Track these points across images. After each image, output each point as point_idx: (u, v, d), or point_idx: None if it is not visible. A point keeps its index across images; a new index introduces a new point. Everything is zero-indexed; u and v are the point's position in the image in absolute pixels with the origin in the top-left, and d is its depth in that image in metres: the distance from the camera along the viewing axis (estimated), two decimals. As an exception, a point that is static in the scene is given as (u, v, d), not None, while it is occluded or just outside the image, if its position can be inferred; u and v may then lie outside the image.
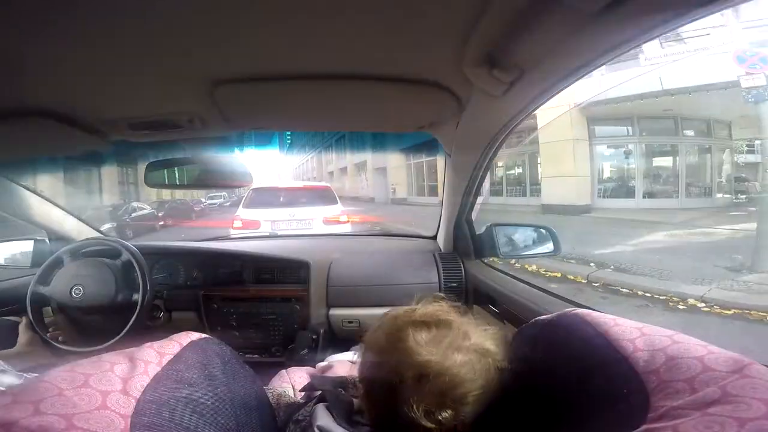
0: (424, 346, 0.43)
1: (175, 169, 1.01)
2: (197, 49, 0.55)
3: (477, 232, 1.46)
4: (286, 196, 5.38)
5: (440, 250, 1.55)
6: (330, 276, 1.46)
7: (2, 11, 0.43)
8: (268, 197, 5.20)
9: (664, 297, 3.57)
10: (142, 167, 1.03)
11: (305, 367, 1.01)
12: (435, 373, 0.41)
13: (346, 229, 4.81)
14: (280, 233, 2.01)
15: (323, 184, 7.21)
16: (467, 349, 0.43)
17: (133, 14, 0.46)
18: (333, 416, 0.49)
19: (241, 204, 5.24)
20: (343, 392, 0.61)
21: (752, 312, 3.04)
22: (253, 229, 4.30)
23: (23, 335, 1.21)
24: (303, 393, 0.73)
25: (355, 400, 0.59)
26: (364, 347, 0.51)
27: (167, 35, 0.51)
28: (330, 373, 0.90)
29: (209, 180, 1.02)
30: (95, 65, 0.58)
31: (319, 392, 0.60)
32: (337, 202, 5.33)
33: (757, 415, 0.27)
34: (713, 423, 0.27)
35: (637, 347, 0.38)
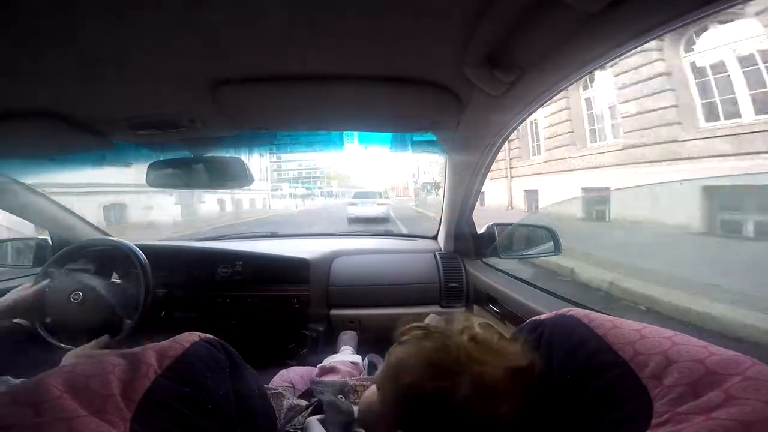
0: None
1: (177, 169, 1.01)
2: (198, 49, 0.55)
3: (477, 232, 1.46)
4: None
5: (441, 250, 1.55)
6: (331, 276, 1.46)
7: (2, 11, 0.43)
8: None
9: None
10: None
11: (305, 367, 1.01)
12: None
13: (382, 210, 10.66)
14: (281, 233, 2.01)
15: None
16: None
17: (134, 14, 0.46)
18: (327, 431, 0.49)
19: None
20: (343, 399, 0.60)
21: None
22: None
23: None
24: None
25: (355, 408, 0.58)
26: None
27: (168, 35, 0.51)
28: (331, 374, 0.89)
29: (211, 181, 1.02)
30: (96, 65, 0.58)
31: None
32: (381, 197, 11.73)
33: (760, 418, 0.27)
34: (717, 427, 0.27)
35: (637, 351, 0.38)
